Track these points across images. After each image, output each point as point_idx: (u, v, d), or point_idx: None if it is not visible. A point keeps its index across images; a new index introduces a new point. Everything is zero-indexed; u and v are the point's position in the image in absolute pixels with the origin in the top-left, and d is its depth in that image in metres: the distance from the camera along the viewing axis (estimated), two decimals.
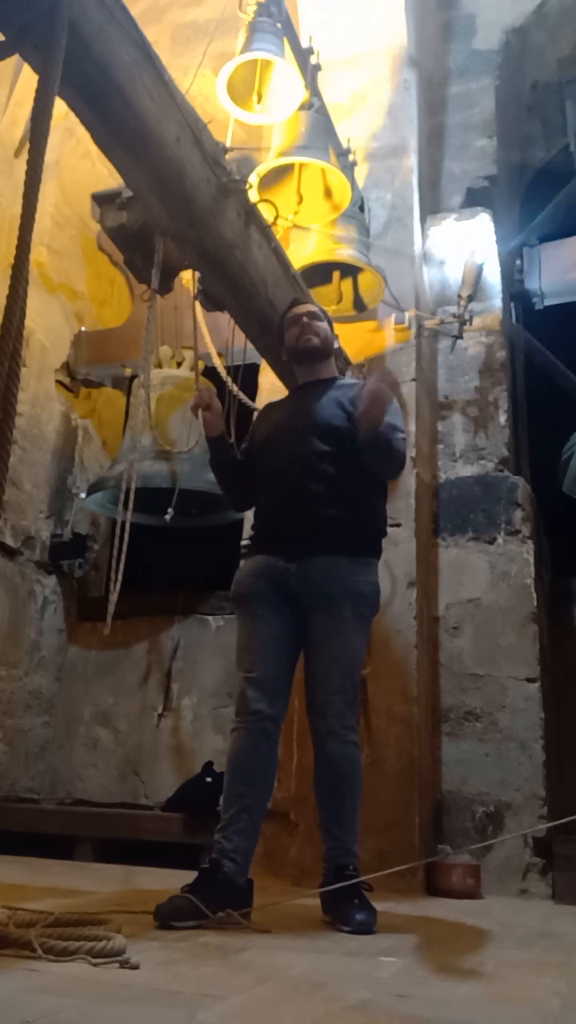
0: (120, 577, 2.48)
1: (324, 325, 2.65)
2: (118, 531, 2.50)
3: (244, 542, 3.62)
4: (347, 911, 2.11)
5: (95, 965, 1.46)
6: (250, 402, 3.42)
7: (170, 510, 3.87)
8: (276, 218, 2.76)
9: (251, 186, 2.58)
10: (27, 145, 1.63)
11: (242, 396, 3.31)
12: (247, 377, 3.45)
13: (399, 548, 3.36)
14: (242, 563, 2.52)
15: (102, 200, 2.57)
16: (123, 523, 2.56)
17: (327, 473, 2.41)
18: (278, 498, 2.46)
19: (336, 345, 2.74)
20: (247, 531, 3.56)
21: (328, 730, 2.29)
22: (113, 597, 2.43)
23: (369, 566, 2.45)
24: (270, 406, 2.81)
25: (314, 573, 2.35)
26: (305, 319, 2.61)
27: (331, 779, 2.30)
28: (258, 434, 2.66)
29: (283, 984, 1.47)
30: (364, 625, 2.44)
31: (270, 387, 3.56)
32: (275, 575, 2.37)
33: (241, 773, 2.24)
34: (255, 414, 2.82)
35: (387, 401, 2.34)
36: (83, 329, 5.02)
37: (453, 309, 3.86)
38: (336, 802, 2.30)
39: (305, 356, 2.64)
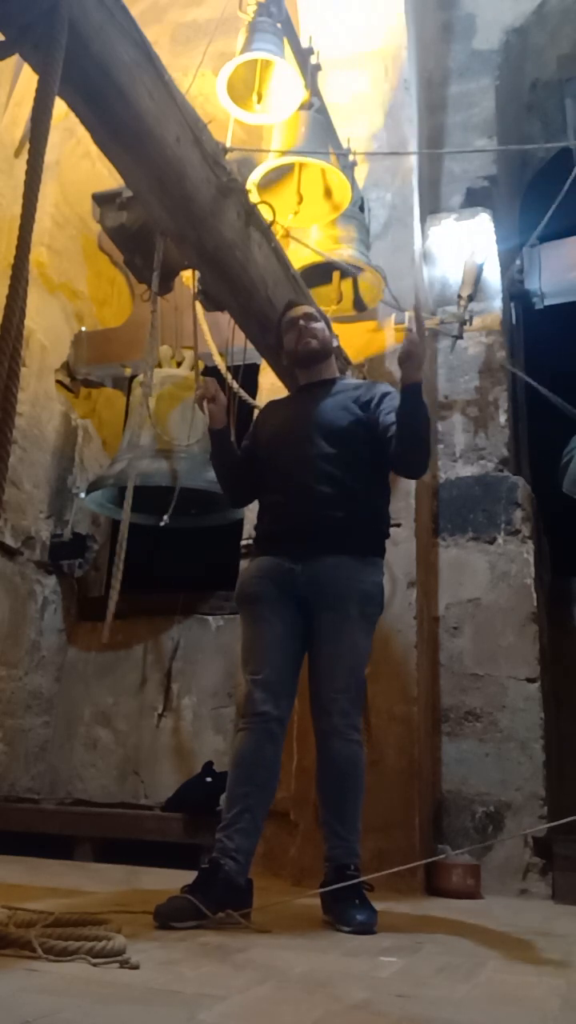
0: (120, 579, 2.47)
1: (321, 326, 2.63)
2: (120, 535, 2.49)
3: (244, 542, 3.62)
4: (348, 911, 2.11)
5: (95, 965, 1.46)
6: (251, 400, 3.42)
7: (166, 518, 3.89)
8: (274, 220, 2.75)
9: (251, 187, 2.58)
10: (27, 145, 1.63)
11: (243, 394, 3.32)
12: (247, 377, 3.45)
13: (399, 548, 3.36)
14: (246, 563, 2.52)
15: (102, 200, 2.57)
16: (122, 528, 2.55)
17: (333, 475, 2.41)
18: (284, 499, 2.46)
19: (335, 344, 2.73)
20: (247, 531, 3.57)
21: (332, 729, 2.30)
22: (111, 604, 2.42)
23: (375, 566, 2.46)
24: (273, 405, 2.81)
25: (321, 573, 2.35)
26: (301, 322, 2.60)
27: (335, 778, 2.30)
28: (262, 433, 2.65)
29: (283, 984, 1.47)
30: (370, 625, 2.43)
31: (270, 387, 3.56)
32: (281, 576, 2.37)
33: (245, 773, 2.24)
34: (255, 412, 2.82)
35: (422, 356, 2.33)
36: (83, 329, 5.02)
37: (453, 309, 3.86)
38: (339, 801, 2.30)
39: (305, 360, 2.63)
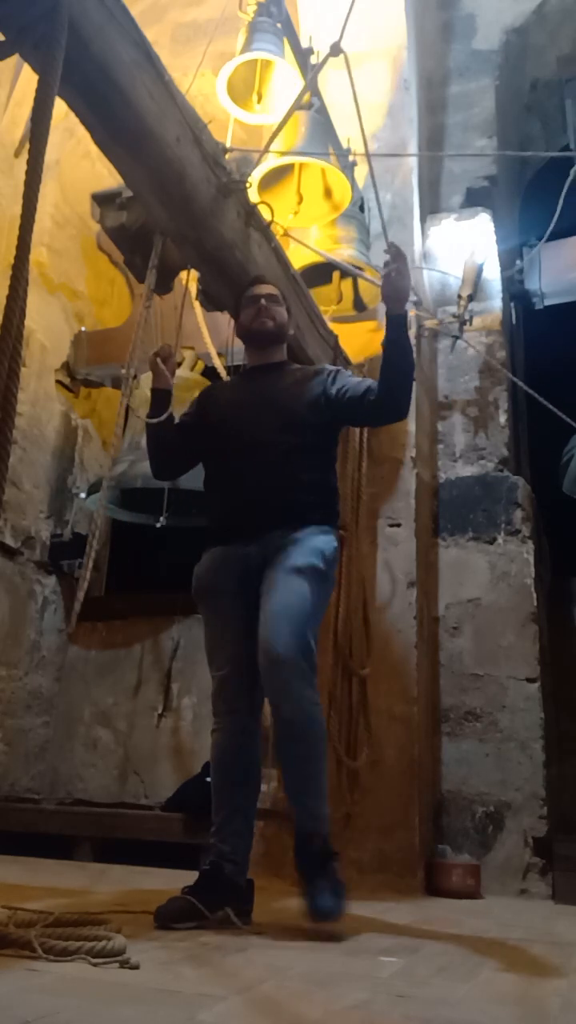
0: (88, 573, 2.40)
1: (282, 310, 2.54)
2: (106, 529, 2.46)
3: None
4: (312, 895, 2.00)
5: (95, 965, 1.46)
6: None
7: (162, 519, 3.89)
8: (272, 219, 2.75)
9: (250, 185, 2.58)
10: (27, 145, 1.63)
11: None
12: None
13: (399, 548, 3.36)
14: (202, 556, 2.42)
15: (102, 200, 2.56)
16: (106, 520, 2.51)
17: (286, 459, 2.35)
18: (235, 485, 2.38)
19: (292, 332, 2.64)
20: None
21: (281, 690, 2.11)
22: (80, 594, 2.36)
23: (327, 533, 2.35)
24: (218, 387, 2.74)
25: (272, 545, 2.27)
26: (263, 301, 2.50)
27: (289, 743, 2.14)
28: (208, 414, 2.54)
29: (283, 984, 1.47)
30: (319, 576, 2.24)
31: None
32: (236, 564, 2.31)
33: (227, 774, 2.22)
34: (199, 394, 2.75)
35: (406, 288, 2.31)
36: (83, 329, 5.01)
37: (453, 309, 3.86)
38: (299, 768, 2.15)
39: (258, 339, 2.53)
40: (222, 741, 2.24)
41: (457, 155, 4.32)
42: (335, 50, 2.60)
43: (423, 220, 4.10)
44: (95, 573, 4.91)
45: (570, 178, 3.47)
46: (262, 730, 2.31)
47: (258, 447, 2.38)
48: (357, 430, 3.32)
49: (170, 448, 2.55)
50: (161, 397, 2.49)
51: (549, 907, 2.92)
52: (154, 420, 2.47)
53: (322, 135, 3.29)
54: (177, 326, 2.71)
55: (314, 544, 2.28)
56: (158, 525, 3.95)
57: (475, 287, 3.82)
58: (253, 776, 2.26)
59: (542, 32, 4.67)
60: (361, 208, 3.82)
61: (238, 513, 2.37)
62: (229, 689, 2.24)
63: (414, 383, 2.44)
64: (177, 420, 2.56)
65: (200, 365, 4.39)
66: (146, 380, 2.99)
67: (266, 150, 2.81)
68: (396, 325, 2.32)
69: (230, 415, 2.49)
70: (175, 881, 2.18)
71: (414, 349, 2.45)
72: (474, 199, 4.22)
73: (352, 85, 2.65)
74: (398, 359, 2.34)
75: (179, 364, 4.50)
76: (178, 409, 4.07)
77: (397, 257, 2.29)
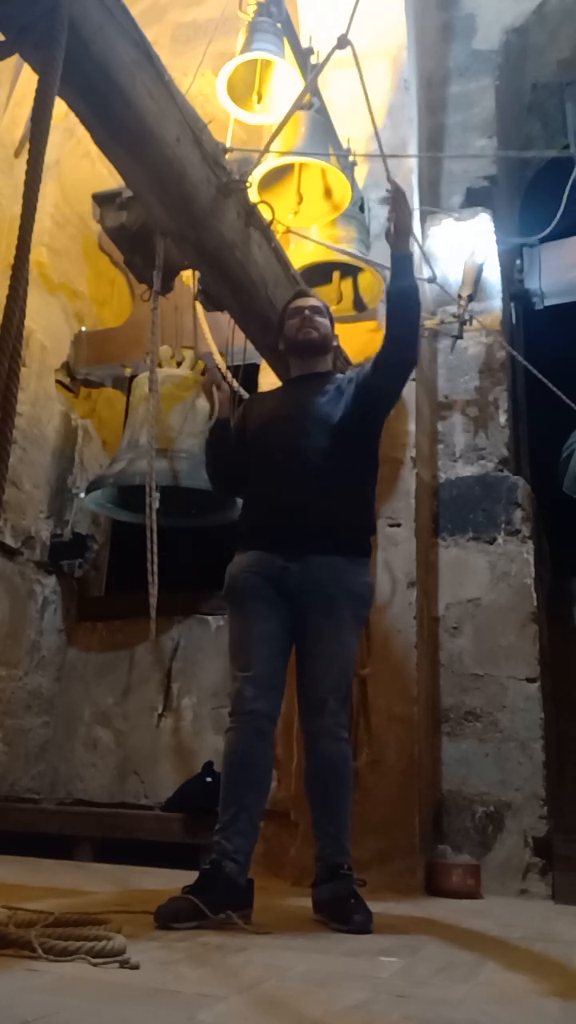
0: (156, 574, 2.42)
1: (326, 321, 2.63)
2: (148, 526, 2.45)
3: None
4: (344, 910, 2.10)
5: (95, 965, 1.46)
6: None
7: (156, 501, 3.87)
8: (273, 219, 2.75)
9: (250, 185, 2.58)
10: (27, 145, 1.63)
11: (244, 394, 3.31)
12: (247, 377, 3.46)
13: (399, 548, 3.36)
14: (236, 557, 2.47)
15: (102, 200, 2.57)
16: (144, 521, 2.51)
17: (326, 469, 2.40)
18: (275, 493, 2.43)
19: (335, 343, 2.73)
20: None
21: (323, 729, 2.30)
22: (153, 594, 2.37)
23: (364, 566, 2.47)
24: (260, 396, 2.81)
25: (314, 572, 2.34)
26: (307, 312, 2.59)
27: (325, 777, 2.30)
28: (250, 424, 2.61)
29: (283, 984, 1.47)
30: (360, 626, 2.48)
31: (270, 386, 3.54)
32: (272, 572, 2.36)
33: (239, 774, 2.23)
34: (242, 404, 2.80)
35: (408, 226, 2.41)
36: (83, 329, 5.02)
37: (453, 309, 3.86)
38: (329, 800, 2.30)
39: (303, 349, 2.61)
40: (238, 740, 2.25)
41: (456, 156, 4.32)
42: (342, 42, 2.61)
43: (423, 220, 4.09)
44: (95, 573, 4.92)
45: (572, 178, 3.47)
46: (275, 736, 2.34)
47: (295, 454, 2.43)
48: None
49: (233, 467, 2.62)
50: (222, 424, 2.60)
51: (549, 907, 2.92)
52: (218, 442, 2.61)
53: (322, 135, 3.29)
54: (192, 327, 2.72)
55: (358, 591, 2.41)
56: (155, 506, 3.93)
57: (475, 287, 3.81)
58: (265, 778, 2.29)
59: (542, 32, 4.67)
60: (361, 208, 3.82)
61: (277, 526, 2.42)
62: (251, 689, 2.26)
63: (415, 366, 2.50)
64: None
65: (200, 365, 4.39)
66: (144, 379, 2.99)
67: (266, 150, 2.81)
68: (404, 265, 2.40)
69: (271, 424, 2.55)
70: (175, 881, 2.18)
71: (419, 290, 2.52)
72: (474, 199, 4.22)
73: (360, 76, 2.66)
74: (403, 303, 2.41)
75: (179, 364, 4.51)
76: (177, 407, 4.06)
77: (397, 193, 2.38)
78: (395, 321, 2.44)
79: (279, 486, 2.43)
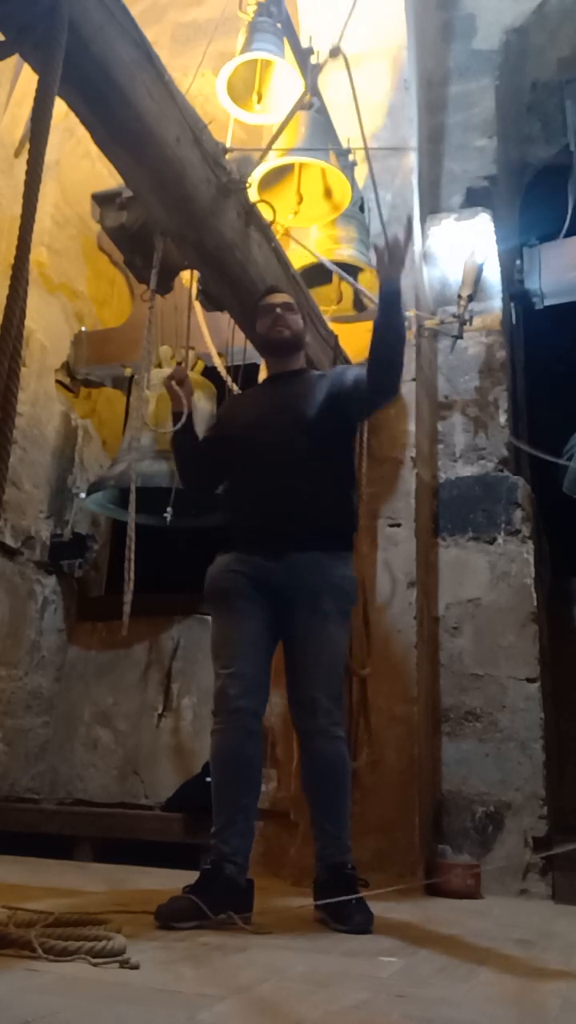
0: (132, 576, 2.45)
1: (297, 318, 2.58)
2: (128, 532, 2.48)
3: None
4: (345, 910, 2.10)
5: (95, 965, 1.46)
6: None
7: (168, 510, 3.86)
8: (274, 219, 2.76)
9: (250, 185, 2.58)
10: (27, 145, 1.63)
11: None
12: (247, 377, 3.45)
13: (399, 548, 3.36)
14: (217, 558, 2.46)
15: (102, 200, 2.56)
16: (127, 523, 2.54)
17: (307, 468, 2.39)
18: (258, 494, 2.42)
19: (308, 338, 2.70)
20: None
21: (317, 728, 2.28)
22: (128, 597, 2.40)
23: (346, 561, 2.44)
24: (238, 397, 2.79)
25: (296, 569, 2.32)
26: (279, 310, 2.54)
27: (323, 777, 2.29)
28: (230, 425, 2.60)
29: (283, 984, 1.47)
30: (346, 620, 2.44)
31: None
32: (254, 570, 2.35)
33: (231, 775, 2.22)
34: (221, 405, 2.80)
35: (404, 256, 2.35)
36: (83, 329, 5.01)
37: (453, 309, 3.86)
38: (329, 799, 2.29)
39: (275, 347, 2.58)
40: (226, 740, 2.24)
41: (455, 156, 4.32)
42: (334, 52, 2.61)
43: (423, 220, 4.09)
44: (95, 573, 4.91)
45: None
46: (263, 731, 2.33)
47: (275, 453, 2.42)
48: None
49: (198, 461, 2.60)
50: (179, 417, 2.54)
51: (549, 907, 2.92)
52: (181, 437, 2.54)
53: (322, 135, 3.29)
54: (186, 328, 2.72)
55: (341, 586, 2.39)
56: (166, 518, 3.92)
57: (475, 287, 3.81)
58: (255, 777, 2.27)
59: (542, 32, 4.67)
60: (361, 208, 3.82)
61: (260, 527, 2.40)
62: (236, 688, 2.25)
63: (403, 363, 2.44)
64: (202, 436, 2.63)
65: (200, 365, 4.39)
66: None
67: (266, 150, 2.81)
68: (391, 298, 2.34)
69: (248, 423, 2.53)
70: (175, 881, 2.18)
71: (407, 328, 2.47)
72: (474, 199, 4.22)
73: (352, 87, 2.65)
74: (389, 340, 2.35)
75: (179, 364, 4.50)
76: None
77: (396, 247, 2.34)
78: (378, 359, 2.36)
79: (257, 486, 2.42)
